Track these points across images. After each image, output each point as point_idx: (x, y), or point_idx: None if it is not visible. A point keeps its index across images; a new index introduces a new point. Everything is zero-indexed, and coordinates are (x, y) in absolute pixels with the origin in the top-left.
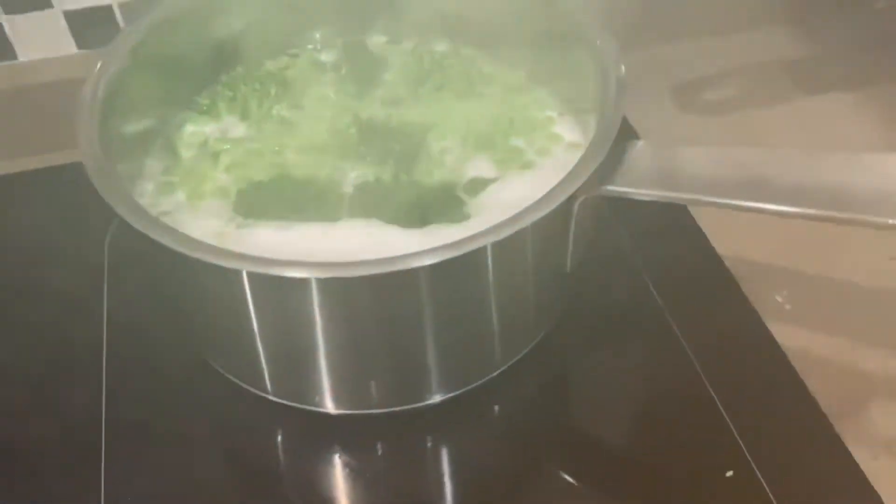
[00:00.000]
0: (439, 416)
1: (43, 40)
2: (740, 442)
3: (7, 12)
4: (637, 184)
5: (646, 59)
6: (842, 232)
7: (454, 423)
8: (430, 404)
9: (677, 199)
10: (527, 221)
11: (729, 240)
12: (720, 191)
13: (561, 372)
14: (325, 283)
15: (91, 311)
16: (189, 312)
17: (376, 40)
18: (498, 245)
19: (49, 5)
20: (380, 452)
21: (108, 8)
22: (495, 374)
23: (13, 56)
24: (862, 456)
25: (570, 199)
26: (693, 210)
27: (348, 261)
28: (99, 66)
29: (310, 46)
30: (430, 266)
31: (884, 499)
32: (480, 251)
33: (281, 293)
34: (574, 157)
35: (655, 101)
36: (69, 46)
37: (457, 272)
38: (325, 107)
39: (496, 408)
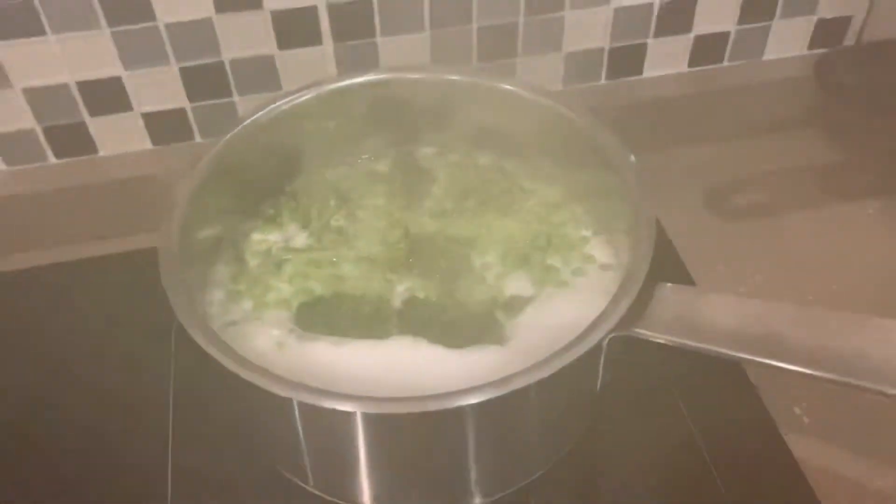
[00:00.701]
0: None
1: (122, 138)
2: None
3: (91, 115)
4: (661, 329)
5: (679, 160)
6: None
7: None
8: None
9: (697, 348)
10: (562, 363)
11: None
12: (738, 346)
13: (589, 477)
14: (370, 417)
15: (157, 394)
16: (250, 421)
17: (425, 151)
18: (536, 384)
19: (129, 108)
20: None
21: (182, 110)
22: (528, 481)
23: (95, 151)
24: None
25: (601, 340)
26: None
27: (394, 396)
28: (181, 180)
29: (364, 156)
30: (473, 403)
31: None
32: (521, 389)
33: (328, 419)
34: (605, 279)
35: (687, 203)
36: (145, 143)
37: (497, 405)
38: (378, 217)
39: None
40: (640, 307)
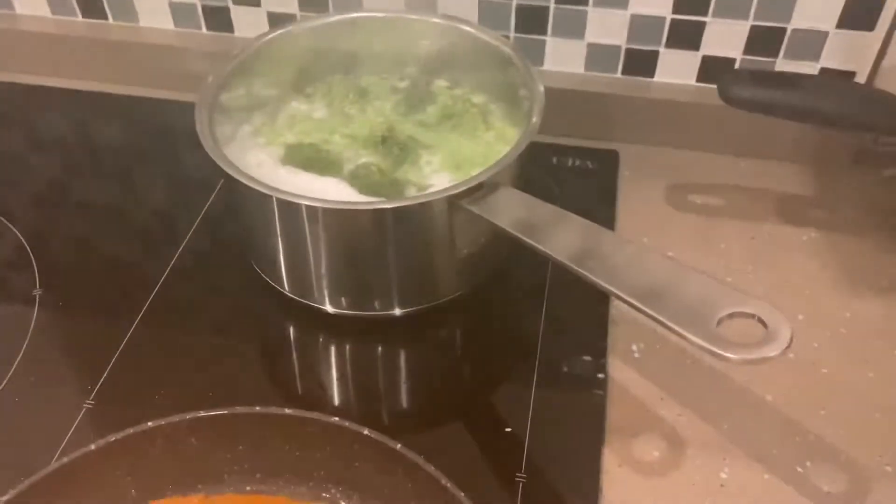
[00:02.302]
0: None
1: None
2: (531, 410)
3: (234, 3)
4: (494, 215)
5: (667, 158)
6: None
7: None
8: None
9: (514, 236)
10: (410, 202)
11: None
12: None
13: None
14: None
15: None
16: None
17: (440, 83)
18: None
19: (258, 4)
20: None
21: (293, 16)
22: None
23: (232, 30)
24: (609, 459)
25: (442, 202)
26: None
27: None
28: (250, 44)
29: (397, 76)
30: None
31: (601, 489)
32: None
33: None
34: None
35: (652, 190)
36: None
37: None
38: (378, 115)
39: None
40: (482, 194)
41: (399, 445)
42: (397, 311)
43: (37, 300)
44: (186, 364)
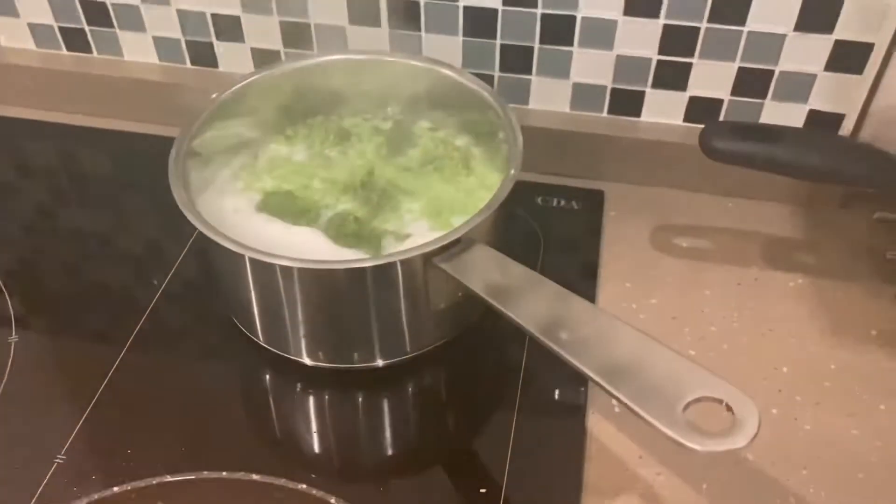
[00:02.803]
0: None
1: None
2: (507, 470)
3: (218, 39)
4: (464, 276)
5: (654, 198)
6: None
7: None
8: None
9: (482, 299)
10: (383, 260)
11: None
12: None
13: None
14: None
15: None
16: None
17: (422, 124)
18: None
19: (242, 40)
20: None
21: (277, 53)
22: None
23: (216, 65)
24: None
25: (418, 259)
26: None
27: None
28: (227, 92)
29: (380, 118)
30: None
31: None
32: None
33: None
34: None
35: (638, 231)
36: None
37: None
38: (360, 158)
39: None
40: (456, 252)
41: (333, 499)
42: (379, 363)
43: (12, 348)
44: (159, 418)
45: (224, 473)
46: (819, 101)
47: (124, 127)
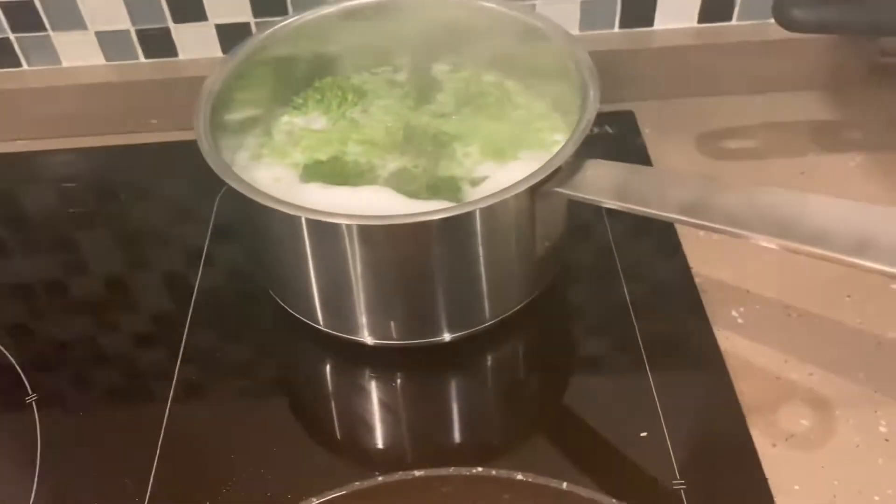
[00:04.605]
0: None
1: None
2: (659, 408)
3: (175, 21)
4: (588, 191)
5: (684, 108)
6: (808, 266)
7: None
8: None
9: (614, 205)
10: (485, 203)
11: (703, 258)
12: (665, 206)
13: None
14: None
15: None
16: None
17: (440, 68)
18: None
19: (204, 18)
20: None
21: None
22: (484, 326)
23: (176, 54)
24: (762, 442)
25: (527, 193)
26: (677, 228)
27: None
28: (220, 67)
29: (390, 68)
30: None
31: (768, 477)
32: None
33: (327, 236)
34: None
35: (681, 143)
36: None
37: (450, 229)
38: (387, 113)
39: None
40: (569, 173)
41: (565, 484)
42: (447, 337)
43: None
44: (239, 447)
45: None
46: None
47: (80, 144)
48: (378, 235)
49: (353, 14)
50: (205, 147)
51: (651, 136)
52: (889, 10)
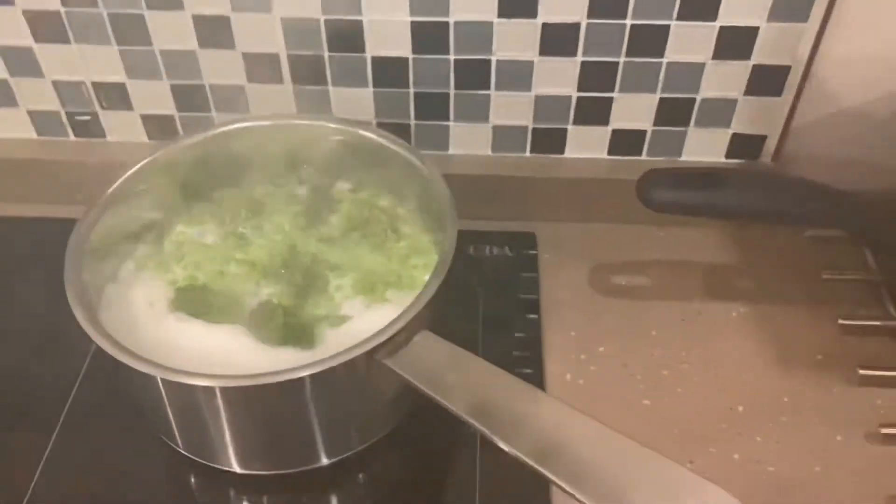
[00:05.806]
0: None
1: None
2: None
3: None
4: (410, 370)
5: (587, 234)
6: None
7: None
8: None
9: (425, 393)
10: (314, 370)
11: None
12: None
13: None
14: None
15: None
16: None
17: (342, 186)
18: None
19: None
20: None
21: (171, 117)
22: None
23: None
24: None
25: (355, 361)
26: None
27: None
28: (122, 178)
29: (295, 181)
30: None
31: None
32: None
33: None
34: None
35: (574, 274)
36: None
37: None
38: (277, 232)
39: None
40: (399, 344)
41: None
42: (324, 461)
43: None
44: None
45: None
46: (741, 124)
47: (6, 212)
48: (209, 393)
49: (264, 131)
50: (72, 294)
51: (548, 262)
52: (746, 196)
